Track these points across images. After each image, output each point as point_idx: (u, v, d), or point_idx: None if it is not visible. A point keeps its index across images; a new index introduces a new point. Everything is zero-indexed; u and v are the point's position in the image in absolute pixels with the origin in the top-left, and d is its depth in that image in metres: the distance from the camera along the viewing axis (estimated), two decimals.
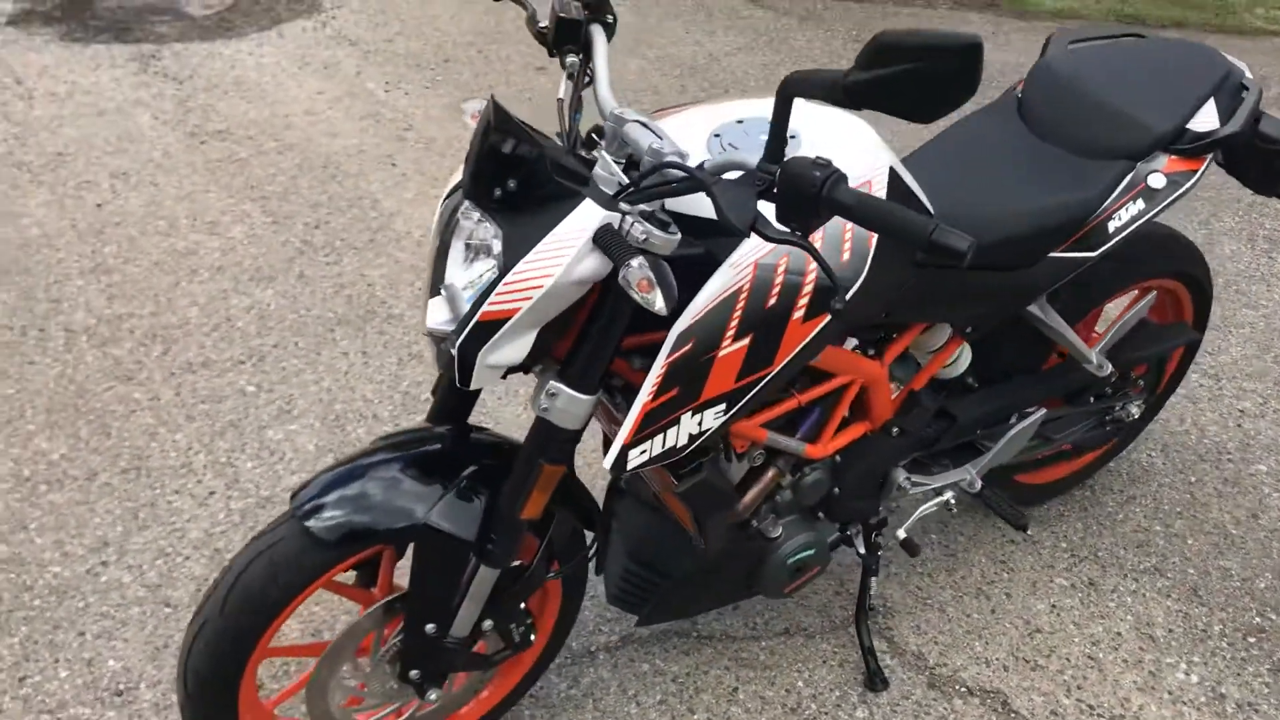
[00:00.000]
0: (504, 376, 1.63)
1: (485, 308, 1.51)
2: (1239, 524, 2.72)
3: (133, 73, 4.90)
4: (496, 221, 1.54)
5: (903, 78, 1.33)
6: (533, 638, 1.96)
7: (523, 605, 1.91)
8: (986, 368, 2.31)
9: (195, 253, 3.65)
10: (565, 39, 1.77)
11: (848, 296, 1.67)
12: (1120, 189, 2.07)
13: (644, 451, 1.67)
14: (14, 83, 4.76)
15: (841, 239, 1.67)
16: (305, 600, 1.74)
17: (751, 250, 1.61)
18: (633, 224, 1.51)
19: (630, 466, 1.67)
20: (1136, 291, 2.40)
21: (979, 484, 2.28)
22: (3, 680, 2.24)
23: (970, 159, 2.11)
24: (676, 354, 1.60)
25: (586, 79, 1.81)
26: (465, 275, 1.59)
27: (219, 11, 5.61)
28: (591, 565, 2.05)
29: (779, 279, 1.62)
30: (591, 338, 1.63)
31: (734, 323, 1.61)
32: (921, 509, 2.28)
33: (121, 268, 3.56)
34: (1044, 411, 2.29)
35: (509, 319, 1.51)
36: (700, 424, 1.69)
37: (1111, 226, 2.07)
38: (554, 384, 1.65)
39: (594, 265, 1.53)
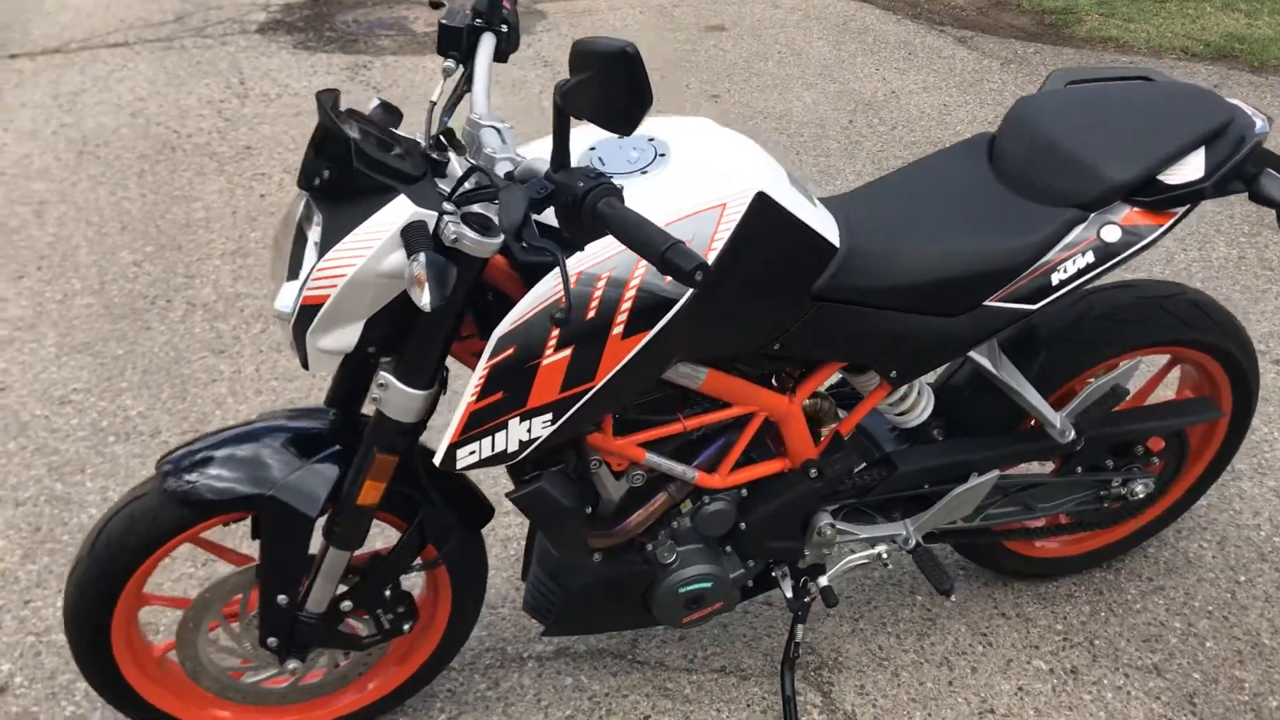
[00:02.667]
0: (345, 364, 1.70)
1: (304, 292, 1.59)
2: (1276, 635, 2.43)
3: (341, 80, 5.30)
4: (321, 210, 1.62)
5: (590, 85, 1.34)
6: (406, 627, 2.01)
7: (389, 593, 1.96)
8: (954, 422, 2.19)
9: None
10: (449, 44, 1.82)
11: (669, 317, 1.63)
12: (1068, 240, 1.92)
13: (473, 452, 1.70)
14: (238, 82, 5.25)
15: None
16: (170, 552, 1.87)
17: (578, 261, 1.62)
18: (446, 223, 1.56)
19: (459, 465, 1.70)
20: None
21: (914, 541, 2.15)
22: (13, 599, 2.49)
23: (923, 195, 2.01)
24: (498, 358, 1.63)
25: (468, 85, 1.85)
26: (308, 261, 1.67)
27: (431, 29, 5.98)
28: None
29: (598, 292, 1.61)
30: (419, 333, 1.67)
31: (555, 332, 1.62)
32: (849, 559, 2.17)
33: (259, 252, 3.87)
34: (995, 474, 2.13)
35: (322, 305, 1.58)
36: (529, 431, 1.70)
37: (1055, 279, 1.92)
38: (385, 375, 1.71)
39: (404, 259, 1.57)
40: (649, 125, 1.82)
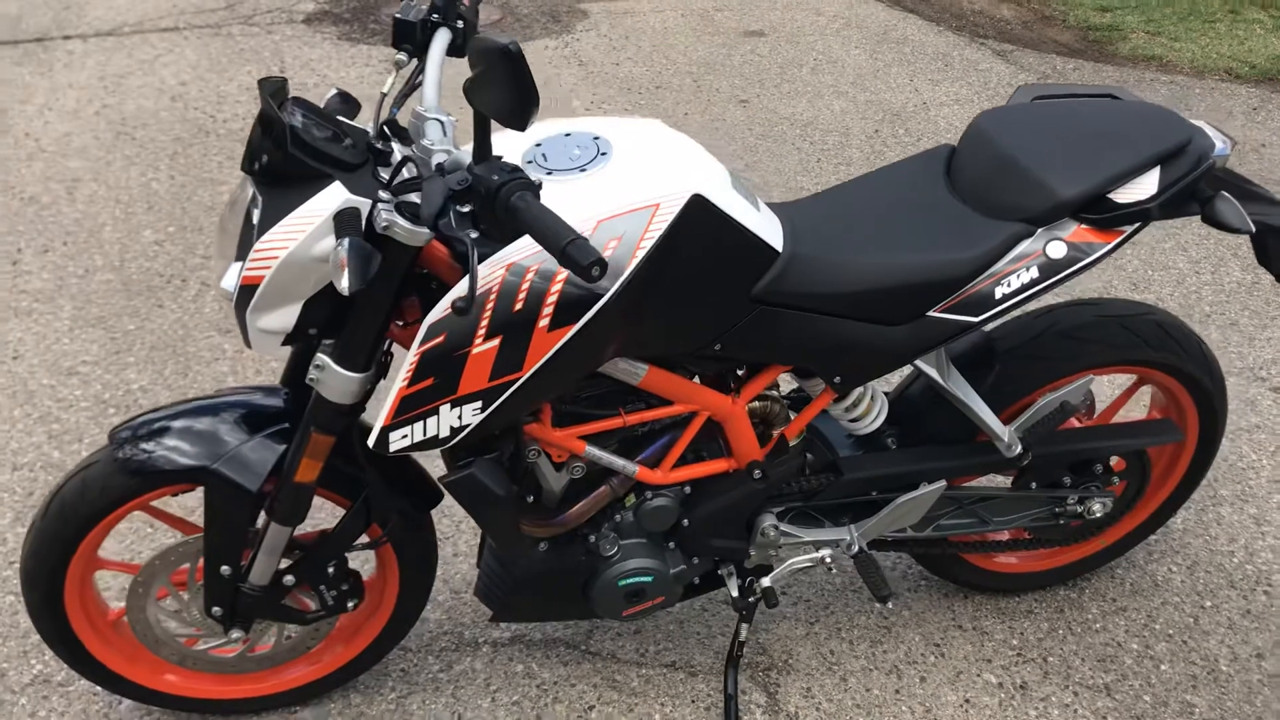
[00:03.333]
0: (288, 344, 1.76)
1: (244, 272, 1.65)
2: (1235, 661, 2.40)
3: (377, 72, 5.39)
4: (261, 193, 1.67)
5: (484, 82, 1.38)
6: (350, 605, 2.06)
7: (332, 570, 2.02)
8: (909, 431, 2.20)
9: None
10: (403, 38, 1.87)
11: (594, 312, 1.67)
12: (1014, 254, 1.92)
13: (405, 436, 1.75)
14: (278, 71, 5.36)
15: (603, 248, 1.67)
16: (122, 518, 1.94)
17: (509, 252, 1.66)
18: (380, 211, 1.61)
19: (392, 448, 1.75)
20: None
21: (858, 547, 2.16)
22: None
23: (874, 203, 2.03)
24: (428, 345, 1.67)
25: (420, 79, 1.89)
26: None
27: (480, 26, 6.04)
28: None
29: (526, 283, 1.65)
30: (354, 317, 1.72)
31: (484, 322, 1.66)
32: (791, 562, 2.19)
33: None
34: (941, 485, 2.14)
35: (258, 286, 1.64)
36: (460, 418, 1.74)
37: (998, 292, 1.93)
38: (322, 357, 1.76)
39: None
40: (598, 124, 1.86)
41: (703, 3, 6.43)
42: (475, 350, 1.68)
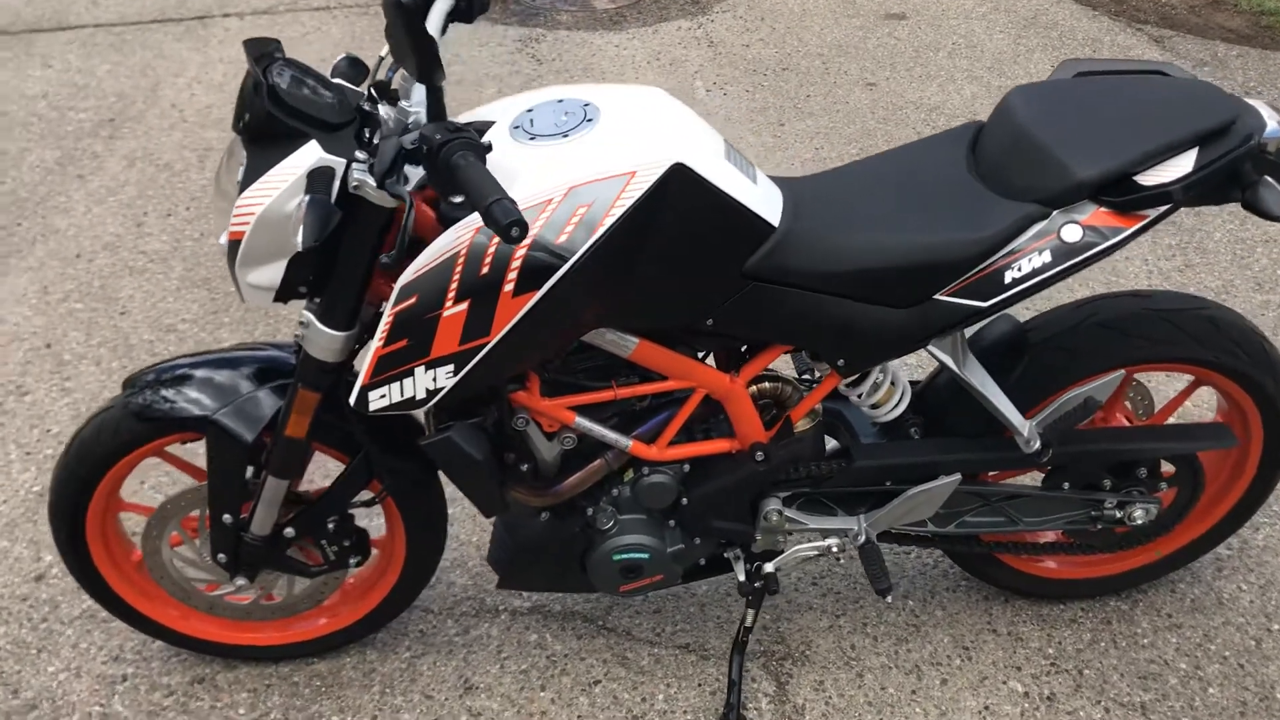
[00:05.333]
0: (279, 301, 1.80)
1: (229, 228, 1.70)
2: None
3: (509, 51, 5.47)
4: (246, 150, 1.71)
5: (390, 34, 1.38)
6: (353, 561, 2.11)
7: (332, 525, 2.06)
8: (935, 421, 2.11)
9: None
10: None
11: (555, 279, 1.65)
12: (1027, 236, 1.82)
13: (384, 396, 1.77)
14: None
15: (568, 219, 1.65)
16: (138, 461, 2.02)
17: (477, 216, 1.66)
18: (353, 171, 1.64)
19: (372, 408, 1.78)
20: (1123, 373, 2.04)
21: (864, 537, 2.08)
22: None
23: (889, 180, 1.95)
24: (401, 306, 1.69)
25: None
26: None
27: (620, 7, 6.07)
28: None
29: (492, 248, 1.65)
30: (335, 276, 1.76)
31: (453, 286, 1.67)
32: (797, 549, 2.12)
33: None
34: (956, 479, 2.04)
35: (241, 242, 1.69)
36: (435, 381, 1.75)
37: (1008, 277, 1.82)
38: (306, 314, 1.80)
39: None
40: (594, 91, 1.84)
41: None
42: (446, 313, 1.69)
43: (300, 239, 1.55)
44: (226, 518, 2.00)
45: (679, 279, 1.77)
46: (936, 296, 1.85)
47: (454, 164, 1.49)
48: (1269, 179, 1.79)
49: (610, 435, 1.94)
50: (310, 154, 1.65)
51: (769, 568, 2.13)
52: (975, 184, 1.89)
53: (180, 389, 1.95)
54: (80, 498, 2.03)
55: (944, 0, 6.06)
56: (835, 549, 2.11)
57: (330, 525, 2.06)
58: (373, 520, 2.31)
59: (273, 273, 1.73)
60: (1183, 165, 1.80)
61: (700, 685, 2.26)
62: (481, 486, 1.92)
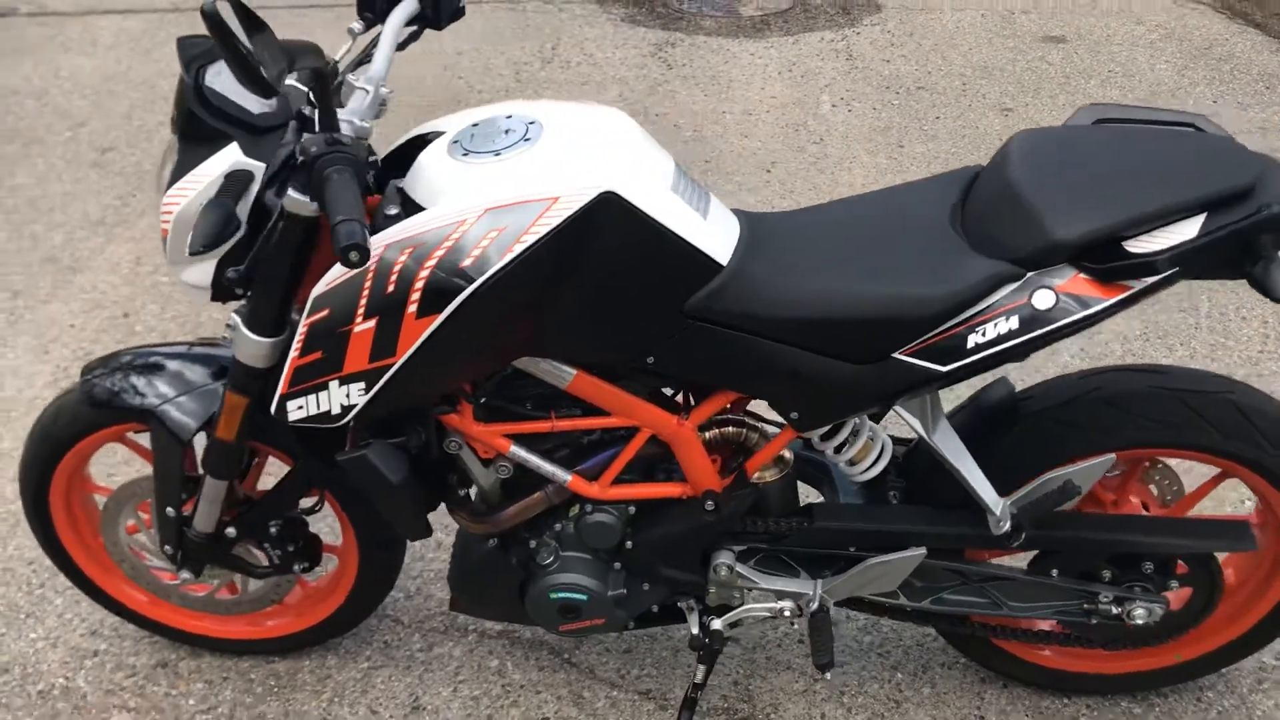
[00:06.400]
0: (217, 300, 1.78)
1: (161, 225, 1.69)
2: None
3: (643, 55, 5.41)
4: (178, 149, 1.69)
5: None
6: (297, 567, 2.08)
7: (274, 529, 2.03)
8: (917, 486, 1.95)
9: None
10: (366, 6, 1.83)
11: (458, 302, 1.57)
12: (995, 299, 1.63)
13: (301, 407, 1.73)
14: (550, 48, 5.51)
15: (477, 241, 1.56)
16: (98, 445, 2.04)
17: (389, 233, 1.60)
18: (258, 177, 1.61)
19: (290, 419, 1.74)
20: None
21: (818, 604, 1.92)
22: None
23: (864, 223, 1.79)
24: (315, 318, 1.64)
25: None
26: None
27: (767, 14, 5.94)
28: None
29: (398, 266, 1.58)
30: (258, 282, 1.72)
31: (363, 302, 1.62)
32: (747, 609, 1.98)
33: None
34: (920, 552, 1.86)
35: (166, 238, 1.67)
36: (348, 397, 1.70)
37: (972, 341, 1.65)
38: (234, 317, 1.77)
39: None
40: (546, 108, 1.75)
41: (1012, 3, 5.99)
42: (356, 329, 1.63)
43: (189, 243, 1.52)
44: (170, 511, 1.99)
45: (611, 313, 1.67)
46: (895, 355, 1.69)
47: (326, 177, 1.44)
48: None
49: (547, 468, 1.85)
50: (229, 156, 1.62)
51: (716, 624, 2.00)
52: (953, 236, 1.71)
53: (134, 379, 1.96)
54: (43, 476, 2.07)
55: (1112, 25, 5.71)
56: (789, 613, 1.96)
57: (272, 529, 2.03)
58: (334, 527, 2.28)
59: (203, 272, 1.70)
60: (1183, 232, 1.59)
61: None
62: (396, 508, 1.86)
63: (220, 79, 1.66)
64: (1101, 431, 1.83)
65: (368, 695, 2.23)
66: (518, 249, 1.56)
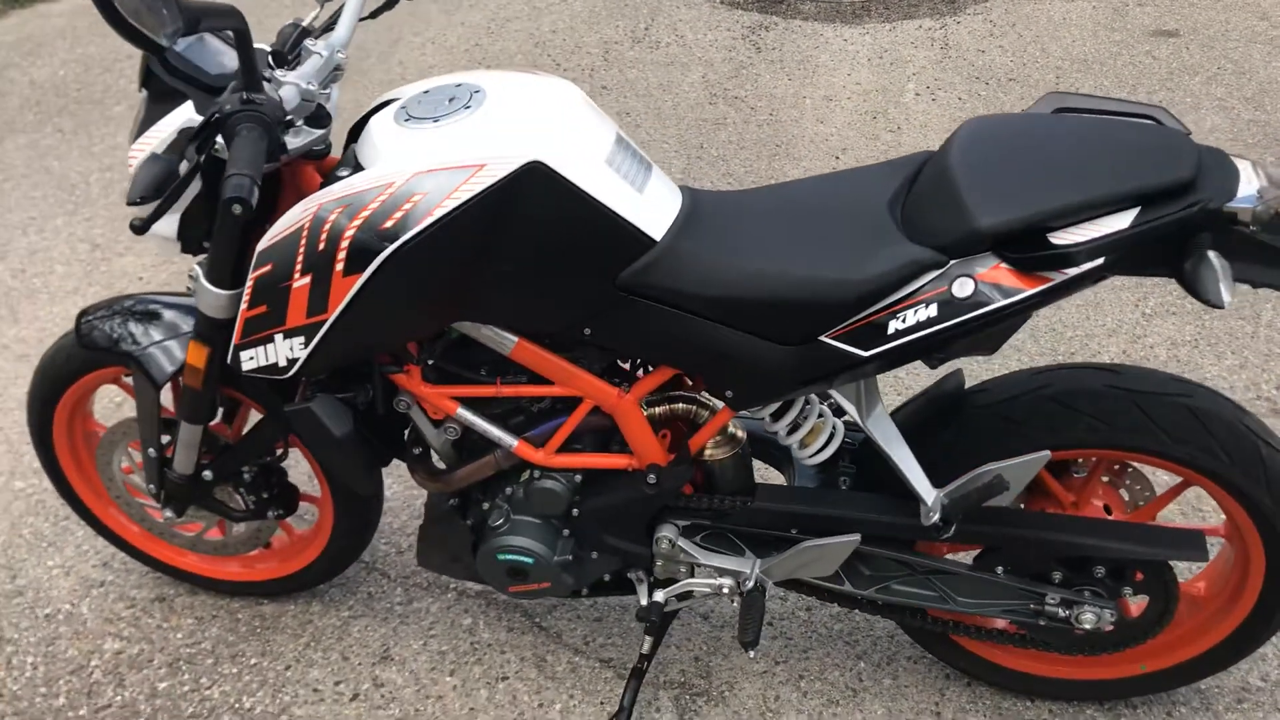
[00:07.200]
0: (187, 253, 1.87)
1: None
2: None
3: (735, 38, 5.39)
4: (145, 106, 1.79)
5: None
6: (272, 513, 2.17)
7: (248, 475, 2.12)
8: (867, 472, 1.94)
9: None
10: None
11: (377, 263, 1.62)
12: (917, 285, 1.61)
13: (252, 358, 1.81)
14: (642, 28, 5.53)
15: (400, 204, 1.61)
16: (94, 386, 2.17)
17: (324, 191, 1.66)
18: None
19: (244, 368, 1.82)
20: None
21: (754, 584, 1.92)
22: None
23: (810, 206, 1.78)
24: (260, 271, 1.72)
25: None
26: None
27: (868, 0, 5.85)
28: None
29: (329, 223, 1.64)
30: (215, 235, 1.80)
31: (300, 257, 1.68)
32: (689, 582, 1.99)
33: None
34: (855, 538, 1.85)
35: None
36: (292, 351, 1.77)
37: (892, 327, 1.63)
38: (195, 268, 1.86)
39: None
40: (497, 78, 1.78)
41: None
42: (295, 284, 1.70)
43: (128, 193, 1.60)
44: (151, 452, 2.10)
45: (543, 282, 1.70)
46: (822, 338, 1.68)
47: (235, 133, 1.50)
48: (1213, 255, 1.50)
49: (494, 431, 1.90)
50: (183, 114, 1.70)
51: (659, 597, 2.02)
52: (887, 221, 1.69)
53: (123, 323, 2.06)
54: (44, 412, 2.20)
55: (1229, 19, 5.45)
56: (727, 590, 1.97)
57: (246, 474, 2.12)
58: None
59: (168, 225, 1.80)
60: (1113, 225, 1.54)
61: (603, 704, 2.18)
62: (341, 461, 1.92)
63: (183, 41, 1.74)
64: (1044, 429, 1.78)
65: (342, 642, 2.32)
66: (438, 213, 1.60)
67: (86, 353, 2.09)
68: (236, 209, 1.40)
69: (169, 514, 2.18)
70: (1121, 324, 3.25)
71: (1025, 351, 3.15)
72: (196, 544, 2.32)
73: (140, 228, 1.50)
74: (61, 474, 2.29)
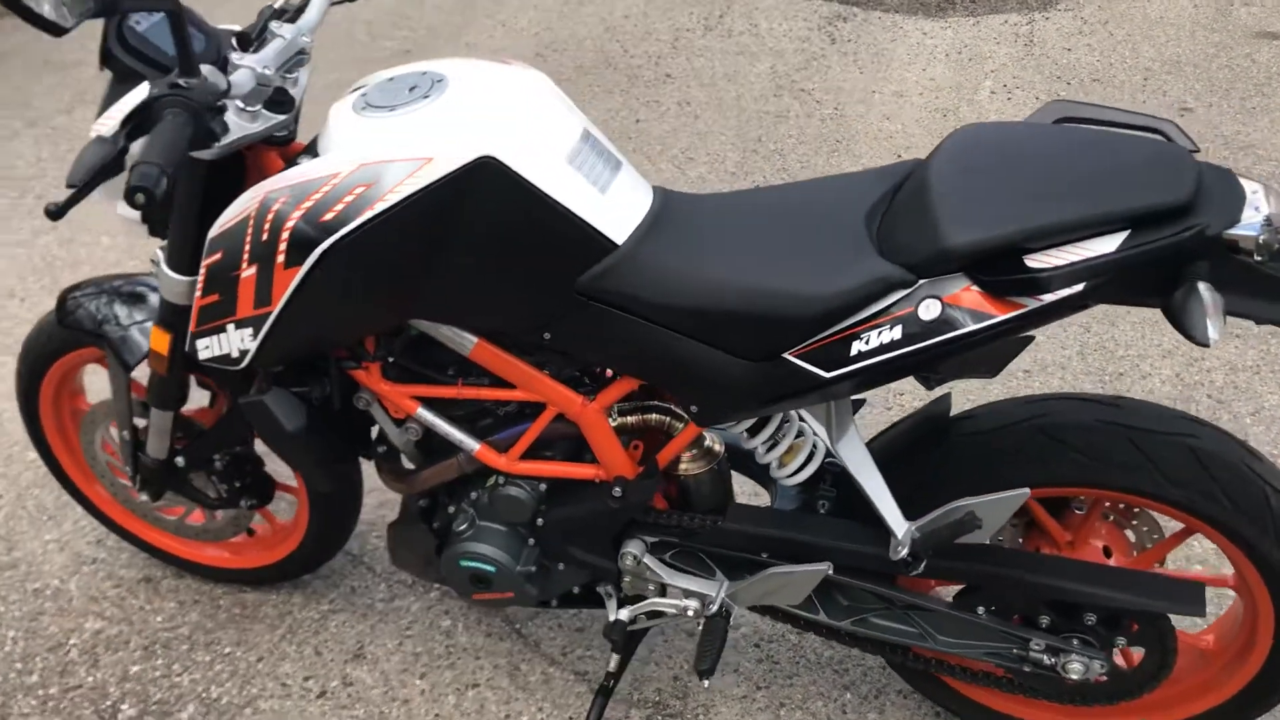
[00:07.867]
0: (154, 235, 1.84)
1: None
2: None
3: (811, 28, 5.25)
4: (110, 86, 1.75)
5: None
6: (244, 503, 2.13)
7: (219, 463, 2.09)
8: (850, 498, 1.82)
9: None
10: None
11: (316, 255, 1.55)
12: (882, 305, 1.49)
13: (208, 347, 1.76)
14: (717, 16, 5.41)
15: (343, 195, 1.54)
16: (77, 365, 2.15)
17: (271, 180, 1.60)
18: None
19: (200, 357, 1.77)
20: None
21: (717, 608, 1.82)
22: None
23: (787, 215, 1.67)
24: (210, 259, 1.68)
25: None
26: None
27: None
28: None
29: (272, 212, 1.58)
30: (172, 221, 1.76)
31: (246, 247, 1.63)
32: (654, 602, 1.90)
33: None
34: (824, 567, 1.73)
35: None
36: (243, 341, 1.72)
37: (855, 348, 1.51)
38: (157, 253, 1.82)
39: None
40: (461, 67, 1.70)
41: None
42: (243, 274, 1.65)
43: (68, 175, 1.56)
44: (125, 434, 2.08)
45: (496, 283, 1.62)
46: (785, 355, 1.57)
47: (161, 118, 1.45)
48: (1203, 287, 1.36)
49: (454, 434, 1.83)
50: (138, 94, 1.65)
51: (623, 615, 1.92)
52: (862, 234, 1.57)
53: (102, 305, 2.04)
54: (29, 390, 2.19)
55: None
56: (692, 613, 1.87)
57: (217, 462, 2.09)
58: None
59: (128, 207, 1.76)
60: (1095, 249, 1.40)
61: (571, 717, 2.10)
62: (294, 455, 1.87)
63: (142, 22, 1.70)
64: (1029, 463, 1.65)
65: (318, 636, 2.27)
66: (380, 206, 1.53)
67: (61, 334, 2.07)
68: (140, 198, 1.35)
69: (144, 497, 2.15)
70: (1179, 345, 3.06)
71: (1071, 370, 2.98)
72: (179, 528, 2.30)
73: (55, 212, 1.45)
74: (50, 451, 2.28)
